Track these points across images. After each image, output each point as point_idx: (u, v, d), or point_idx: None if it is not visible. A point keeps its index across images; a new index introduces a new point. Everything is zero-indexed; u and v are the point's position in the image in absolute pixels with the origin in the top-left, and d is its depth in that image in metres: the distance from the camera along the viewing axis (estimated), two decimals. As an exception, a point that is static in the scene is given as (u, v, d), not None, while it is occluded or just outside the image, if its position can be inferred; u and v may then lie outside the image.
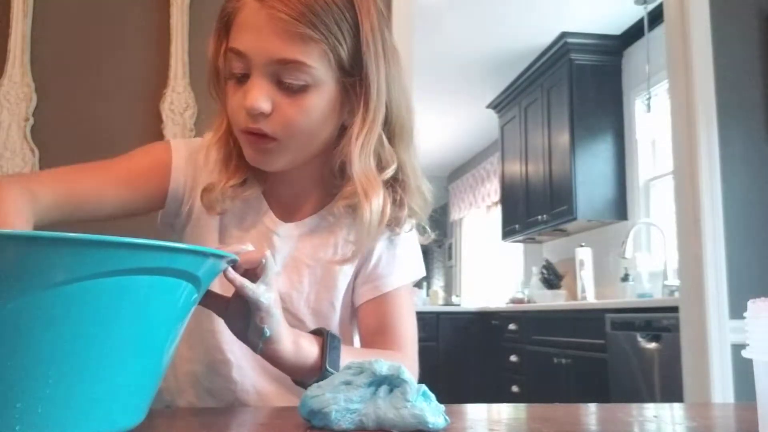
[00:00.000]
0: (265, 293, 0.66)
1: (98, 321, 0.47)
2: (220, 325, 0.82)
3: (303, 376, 0.74)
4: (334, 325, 0.89)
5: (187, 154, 0.87)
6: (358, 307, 0.90)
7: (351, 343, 0.93)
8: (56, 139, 1.97)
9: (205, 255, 0.56)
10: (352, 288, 0.90)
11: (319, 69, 0.75)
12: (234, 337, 0.72)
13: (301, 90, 0.75)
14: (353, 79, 0.78)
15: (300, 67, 0.74)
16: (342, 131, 0.82)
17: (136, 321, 0.49)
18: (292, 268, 0.87)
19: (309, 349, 0.73)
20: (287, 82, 0.75)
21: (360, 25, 0.77)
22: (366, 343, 0.89)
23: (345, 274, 0.88)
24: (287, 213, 0.89)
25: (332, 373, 0.69)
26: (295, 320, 0.86)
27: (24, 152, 1.93)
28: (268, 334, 0.68)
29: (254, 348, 0.70)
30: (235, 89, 0.78)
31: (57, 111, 1.98)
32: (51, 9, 2.01)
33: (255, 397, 0.88)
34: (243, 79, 0.77)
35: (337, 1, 0.75)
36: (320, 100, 0.77)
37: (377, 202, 0.80)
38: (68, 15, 2.03)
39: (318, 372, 0.72)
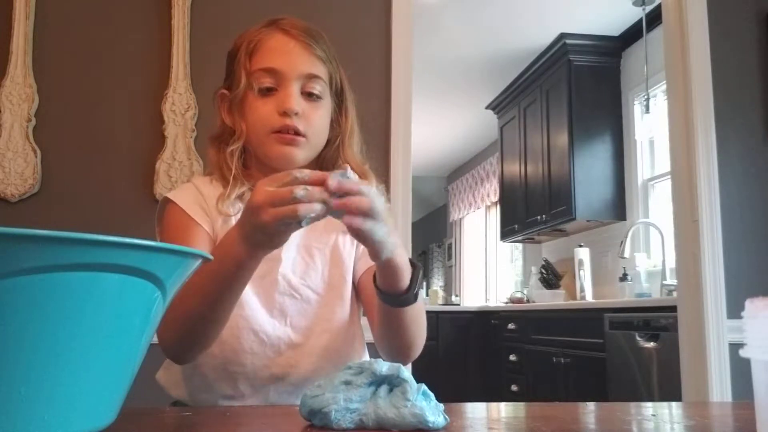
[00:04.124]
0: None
1: (65, 317, 0.46)
2: (244, 310, 0.95)
3: (400, 288, 0.87)
4: (346, 296, 1.03)
5: (187, 194, 1.01)
6: (359, 280, 1.05)
7: (357, 314, 1.07)
8: (58, 139, 1.98)
9: (172, 252, 0.55)
10: (353, 268, 1.06)
11: (326, 87, 1.01)
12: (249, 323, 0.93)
13: (317, 99, 0.99)
14: (339, 102, 1.05)
15: (318, 80, 0.99)
16: (327, 142, 1.05)
17: (105, 318, 0.49)
18: (305, 252, 1.02)
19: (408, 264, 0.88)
20: (309, 91, 0.98)
21: (339, 65, 1.05)
22: (369, 309, 1.02)
23: (349, 252, 1.05)
24: None
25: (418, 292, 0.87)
26: (313, 293, 1.01)
27: (26, 153, 1.94)
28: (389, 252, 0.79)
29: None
30: (264, 101, 0.97)
31: (59, 112, 1.99)
32: (53, 10, 2.02)
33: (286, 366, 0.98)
34: (268, 92, 0.97)
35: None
36: (325, 111, 1.02)
37: (374, 183, 1.03)
38: (70, 16, 2.03)
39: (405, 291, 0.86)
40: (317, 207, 0.70)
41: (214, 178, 1.02)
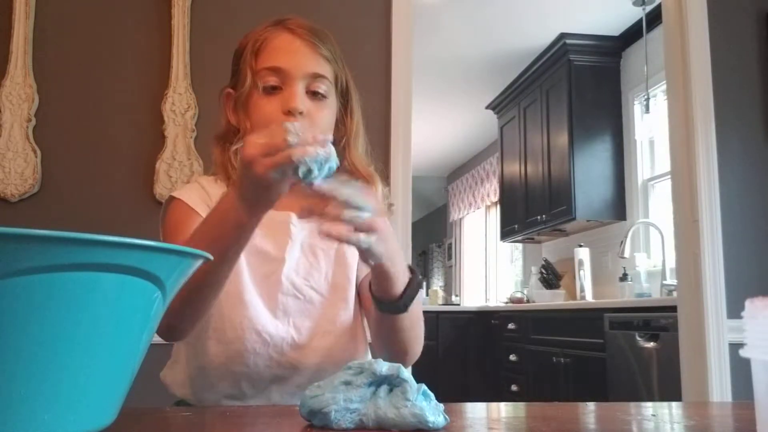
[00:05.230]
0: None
1: (65, 317, 0.46)
2: (246, 311, 0.96)
3: (392, 294, 0.87)
4: (350, 297, 1.03)
5: (191, 191, 1.02)
6: (360, 283, 1.05)
7: (361, 315, 1.07)
8: (58, 139, 1.98)
9: (170, 251, 0.54)
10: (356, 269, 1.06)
11: (331, 87, 1.00)
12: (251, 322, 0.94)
13: (322, 99, 0.99)
14: (345, 102, 1.04)
15: (323, 80, 0.99)
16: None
17: (105, 318, 0.49)
18: (309, 252, 1.02)
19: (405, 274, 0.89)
20: (314, 91, 0.98)
21: (345, 65, 1.06)
22: (367, 312, 1.02)
23: (353, 253, 1.03)
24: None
25: (408, 304, 0.88)
26: (317, 294, 1.01)
27: (26, 153, 1.94)
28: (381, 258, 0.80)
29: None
30: (269, 99, 0.97)
31: (59, 112, 1.99)
32: (53, 10, 2.02)
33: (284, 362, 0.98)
34: (273, 91, 0.97)
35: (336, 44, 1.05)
36: (330, 111, 1.01)
37: (380, 186, 1.05)
38: (70, 16, 2.03)
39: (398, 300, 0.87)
40: (311, 151, 0.70)
41: (219, 178, 1.02)
